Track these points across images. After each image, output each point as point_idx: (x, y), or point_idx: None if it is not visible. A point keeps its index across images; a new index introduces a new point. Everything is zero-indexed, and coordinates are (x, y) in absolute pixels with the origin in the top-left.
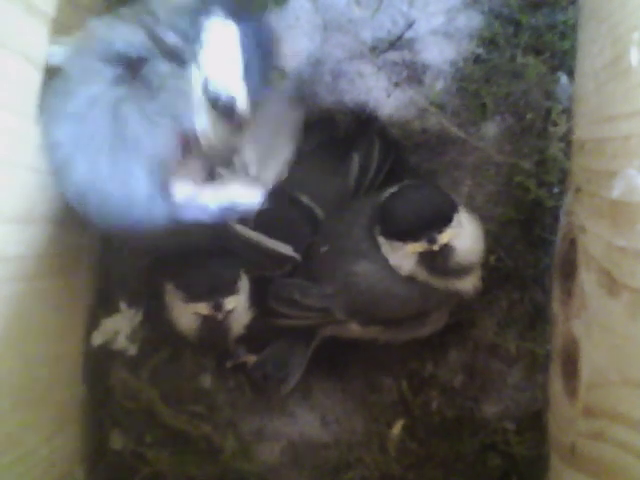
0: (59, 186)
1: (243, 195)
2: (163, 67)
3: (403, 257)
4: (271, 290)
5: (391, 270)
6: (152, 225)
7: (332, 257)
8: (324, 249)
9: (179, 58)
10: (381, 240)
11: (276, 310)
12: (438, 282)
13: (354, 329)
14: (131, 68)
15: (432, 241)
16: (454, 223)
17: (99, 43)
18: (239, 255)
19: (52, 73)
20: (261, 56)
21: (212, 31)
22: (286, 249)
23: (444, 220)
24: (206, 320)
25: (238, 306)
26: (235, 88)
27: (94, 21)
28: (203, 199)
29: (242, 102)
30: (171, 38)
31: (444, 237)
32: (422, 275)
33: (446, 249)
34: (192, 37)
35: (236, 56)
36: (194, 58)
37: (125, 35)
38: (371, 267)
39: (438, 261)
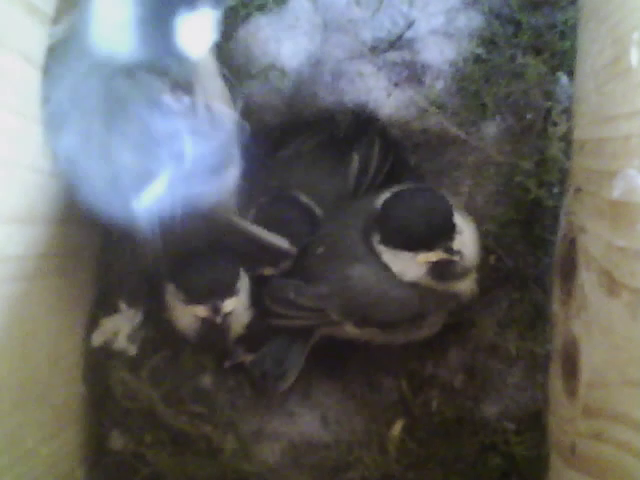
0: (54, 150)
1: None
2: None
3: (410, 266)
4: (267, 290)
5: (388, 274)
6: (136, 207)
7: (327, 259)
8: (320, 250)
9: None
10: (381, 248)
11: (272, 310)
12: (438, 285)
13: (350, 330)
14: None
15: (449, 251)
16: (457, 229)
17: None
18: (237, 250)
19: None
20: None
21: None
22: (282, 242)
23: (452, 227)
24: (206, 321)
25: (238, 306)
26: None
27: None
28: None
29: None
30: None
31: (456, 244)
32: (425, 281)
33: (458, 255)
34: None
35: None
36: None
37: None
38: (367, 271)
39: (448, 268)
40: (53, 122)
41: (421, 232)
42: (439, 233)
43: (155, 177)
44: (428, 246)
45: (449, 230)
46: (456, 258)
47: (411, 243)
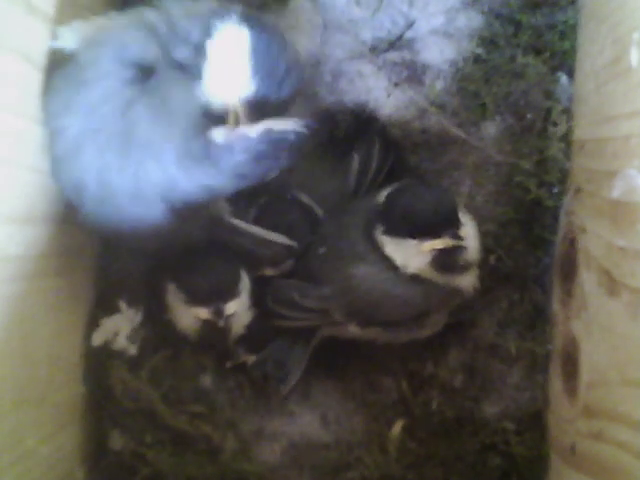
0: (58, 173)
1: (278, 124)
2: (172, 78)
3: (415, 255)
4: (270, 291)
5: (391, 271)
6: (154, 219)
7: (329, 259)
8: (322, 250)
9: (188, 71)
10: (385, 239)
11: (275, 311)
12: (441, 279)
13: (353, 330)
14: (143, 73)
15: (456, 237)
16: (462, 220)
17: (113, 43)
18: (238, 251)
19: (58, 55)
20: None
21: (219, 39)
22: (282, 239)
23: (457, 216)
24: (207, 322)
25: (239, 307)
26: (232, 98)
27: (108, 19)
28: (242, 132)
29: (239, 113)
30: (181, 53)
31: (462, 233)
32: (428, 273)
33: (461, 246)
34: (203, 48)
35: (242, 63)
36: (201, 72)
37: (138, 41)
38: (370, 270)
39: (451, 258)
40: (63, 147)
41: (428, 219)
42: (446, 220)
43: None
44: (435, 233)
45: (455, 217)
46: (463, 244)
47: (417, 230)
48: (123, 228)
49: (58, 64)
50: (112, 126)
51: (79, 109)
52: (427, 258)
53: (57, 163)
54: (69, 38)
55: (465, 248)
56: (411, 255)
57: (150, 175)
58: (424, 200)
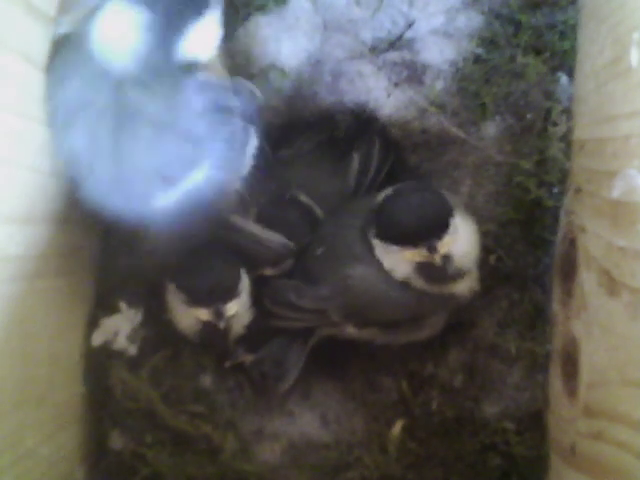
0: (57, 148)
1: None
2: None
3: (398, 262)
4: (267, 292)
5: (387, 274)
6: (145, 208)
7: (327, 259)
8: (320, 250)
9: None
10: (375, 242)
11: (272, 312)
12: (432, 287)
13: (350, 331)
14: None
15: (432, 250)
16: (451, 229)
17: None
18: (237, 249)
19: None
20: None
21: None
22: (280, 238)
23: (442, 227)
24: (207, 323)
25: (239, 308)
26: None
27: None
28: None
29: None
30: None
31: (443, 245)
32: (416, 281)
33: (444, 258)
34: None
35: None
36: None
37: None
38: (367, 271)
39: (435, 270)
40: (58, 121)
41: (408, 227)
42: (425, 231)
43: (178, 178)
44: (413, 243)
45: (437, 229)
46: (437, 260)
47: (398, 237)
48: (129, 218)
49: (59, 46)
50: (107, 98)
51: (77, 78)
52: (410, 267)
53: (57, 134)
54: (68, 23)
55: (448, 260)
56: (396, 262)
57: (144, 149)
58: (411, 208)
